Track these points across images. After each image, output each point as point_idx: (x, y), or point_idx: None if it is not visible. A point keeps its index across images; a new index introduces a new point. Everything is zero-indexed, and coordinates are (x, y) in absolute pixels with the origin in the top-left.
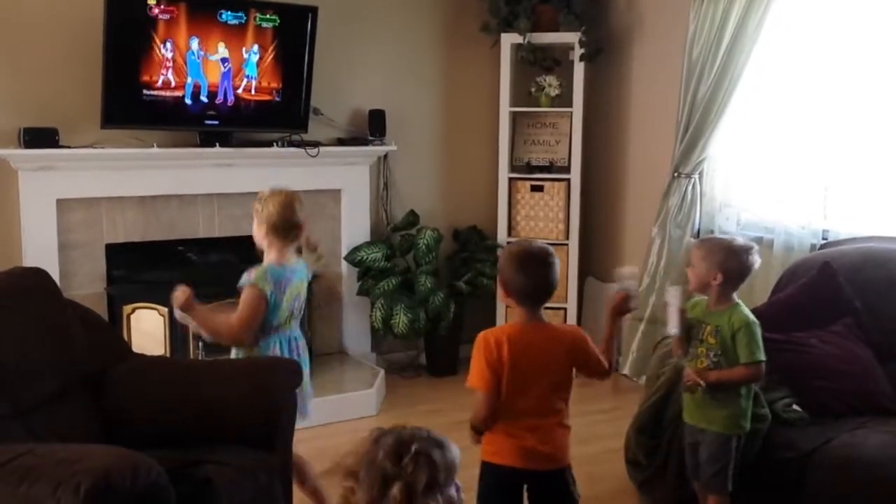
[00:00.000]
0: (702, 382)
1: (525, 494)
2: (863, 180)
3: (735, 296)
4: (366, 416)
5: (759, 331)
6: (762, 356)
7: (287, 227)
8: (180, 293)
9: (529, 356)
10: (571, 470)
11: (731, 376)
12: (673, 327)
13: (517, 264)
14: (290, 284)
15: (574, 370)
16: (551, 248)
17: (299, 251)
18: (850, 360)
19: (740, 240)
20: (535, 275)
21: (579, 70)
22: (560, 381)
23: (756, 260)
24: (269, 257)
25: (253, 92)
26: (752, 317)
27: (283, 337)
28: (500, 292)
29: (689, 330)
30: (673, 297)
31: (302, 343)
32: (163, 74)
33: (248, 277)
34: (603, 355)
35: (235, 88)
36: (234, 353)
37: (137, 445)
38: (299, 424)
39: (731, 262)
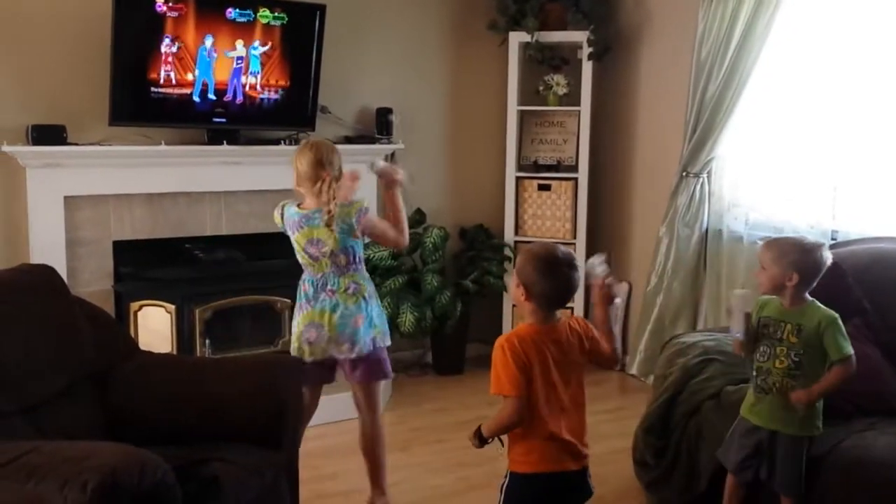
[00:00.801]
0: (806, 403)
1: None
2: (872, 180)
3: (807, 294)
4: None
5: (842, 323)
6: (851, 349)
7: (314, 177)
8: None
9: (555, 355)
10: None
11: (832, 383)
12: (738, 331)
13: (544, 268)
14: (299, 229)
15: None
16: (571, 251)
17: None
18: (860, 360)
19: (809, 238)
20: (562, 278)
21: (587, 69)
22: (581, 374)
23: (828, 256)
24: (304, 204)
25: (257, 89)
26: (833, 311)
27: (314, 279)
28: (517, 294)
29: (760, 329)
30: (740, 300)
31: (336, 289)
32: (171, 72)
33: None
34: (605, 343)
35: (242, 86)
36: None
37: (144, 443)
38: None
39: (806, 261)
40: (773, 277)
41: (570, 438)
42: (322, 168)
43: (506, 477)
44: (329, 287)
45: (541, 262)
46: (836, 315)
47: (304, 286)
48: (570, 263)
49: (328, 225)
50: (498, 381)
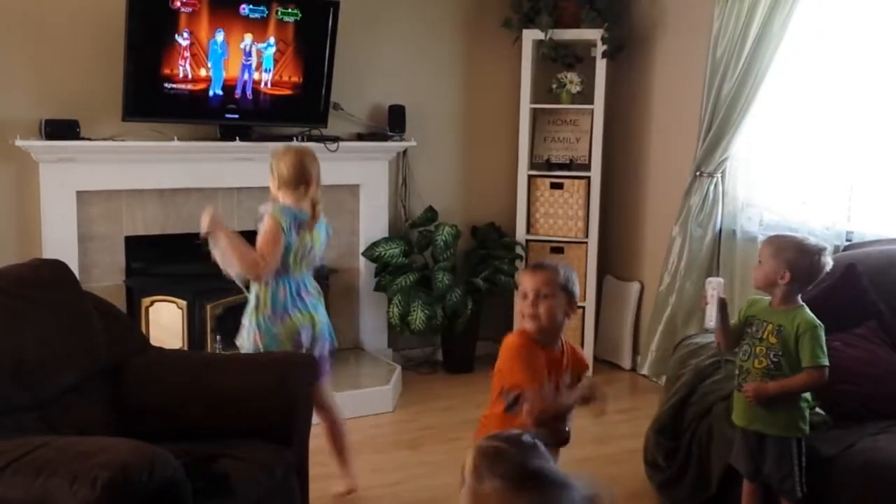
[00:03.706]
0: (752, 395)
1: None
2: (888, 181)
3: (800, 297)
4: (382, 412)
5: (823, 334)
6: (826, 360)
7: (298, 182)
8: (206, 214)
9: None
10: None
11: (791, 385)
12: (710, 319)
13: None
14: (302, 229)
15: None
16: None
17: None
18: (875, 363)
19: (812, 239)
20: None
21: (601, 67)
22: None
23: (828, 262)
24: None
25: (269, 85)
26: (817, 320)
27: (293, 280)
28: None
29: (745, 327)
30: (713, 287)
31: (312, 286)
32: (184, 67)
33: (266, 209)
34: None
35: (254, 83)
36: (252, 294)
37: (154, 438)
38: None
39: (801, 262)
40: (767, 273)
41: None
42: (306, 172)
43: None
44: (308, 288)
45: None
46: (820, 324)
47: (282, 291)
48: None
49: (311, 226)
50: (517, 373)
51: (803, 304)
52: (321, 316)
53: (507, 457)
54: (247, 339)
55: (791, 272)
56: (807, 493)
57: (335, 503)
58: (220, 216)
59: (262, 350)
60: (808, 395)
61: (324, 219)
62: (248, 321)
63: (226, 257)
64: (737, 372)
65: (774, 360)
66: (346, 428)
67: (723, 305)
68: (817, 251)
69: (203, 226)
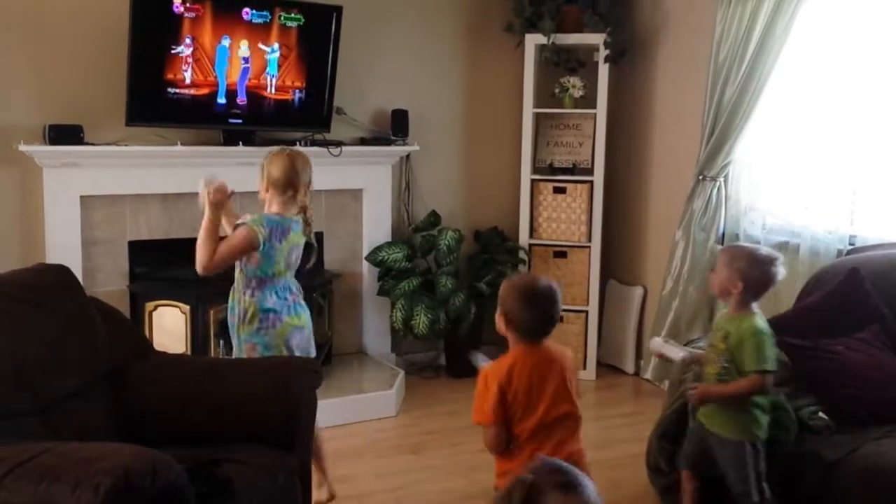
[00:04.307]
0: (697, 398)
1: None
2: (892, 185)
3: (755, 305)
4: (385, 416)
5: (769, 340)
6: (769, 366)
7: (286, 185)
8: (221, 184)
9: (532, 377)
10: None
11: (732, 389)
12: (680, 354)
13: (524, 300)
14: (287, 235)
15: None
16: (555, 283)
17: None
18: (878, 367)
19: (765, 250)
20: (542, 310)
21: (604, 71)
22: (565, 393)
23: (780, 272)
24: (270, 210)
25: (274, 91)
26: (764, 326)
27: (280, 286)
28: (499, 323)
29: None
30: (666, 350)
31: (296, 289)
32: (187, 72)
33: (245, 219)
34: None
35: (257, 87)
36: (236, 308)
37: (157, 443)
38: None
39: (752, 271)
40: (722, 281)
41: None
42: (297, 176)
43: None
44: (294, 291)
45: (521, 294)
46: (766, 331)
47: (271, 299)
48: (550, 296)
49: (304, 231)
50: (478, 409)
51: (756, 311)
52: (306, 315)
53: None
54: (241, 355)
55: (743, 281)
56: (769, 496)
57: None
58: (223, 187)
59: (258, 351)
60: (762, 400)
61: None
62: (236, 338)
63: (200, 233)
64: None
65: (725, 365)
66: (323, 435)
67: (668, 359)
68: (769, 261)
69: (210, 192)
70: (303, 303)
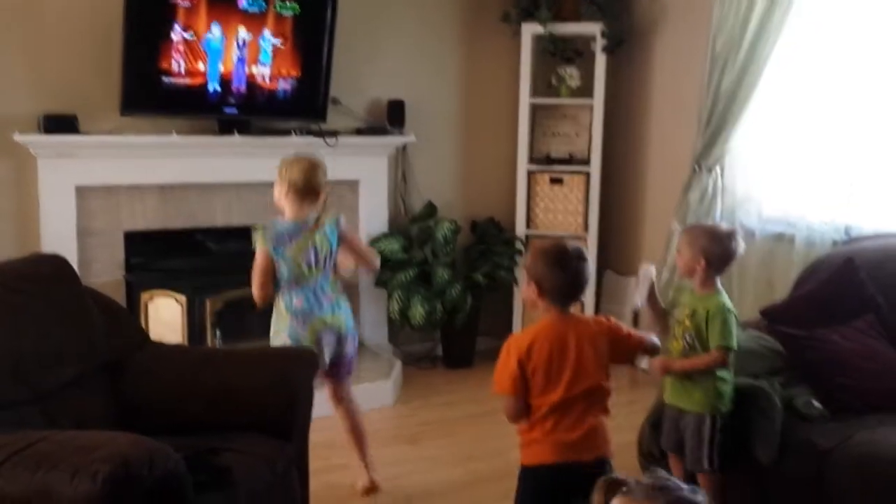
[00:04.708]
0: (660, 370)
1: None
2: (888, 175)
3: (718, 283)
4: (382, 406)
5: (733, 319)
6: (732, 343)
7: (308, 190)
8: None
9: (553, 352)
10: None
11: (694, 364)
12: (638, 299)
13: (553, 261)
14: (297, 239)
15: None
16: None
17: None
18: (873, 357)
19: (724, 226)
20: (573, 270)
21: (600, 61)
22: (590, 367)
23: (739, 245)
24: (283, 215)
25: (268, 80)
26: (729, 304)
27: (308, 290)
28: (529, 293)
29: (671, 311)
30: (646, 272)
31: (330, 287)
32: (182, 62)
33: (255, 237)
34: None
35: (252, 77)
36: (277, 300)
37: (155, 432)
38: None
39: (713, 248)
40: (685, 261)
41: (566, 428)
42: (316, 181)
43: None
44: (327, 292)
45: (550, 256)
46: (730, 308)
47: (297, 301)
48: (579, 256)
49: (313, 231)
50: (499, 379)
51: (720, 289)
52: (343, 315)
53: None
54: (277, 343)
55: (706, 259)
56: (718, 467)
57: (359, 494)
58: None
59: None
60: (725, 374)
61: (326, 219)
62: (273, 326)
63: None
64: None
65: (689, 341)
66: (364, 423)
67: (651, 290)
68: (728, 236)
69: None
70: (338, 302)
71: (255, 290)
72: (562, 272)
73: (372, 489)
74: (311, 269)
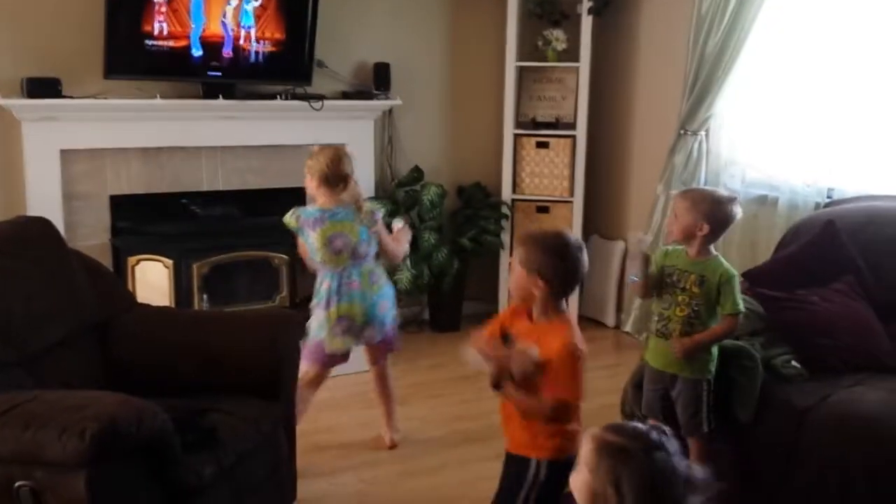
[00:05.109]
0: (681, 353)
1: None
2: (870, 138)
3: (713, 248)
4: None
5: (738, 283)
6: (743, 307)
7: (336, 178)
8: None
9: None
10: None
11: (717, 333)
12: (636, 274)
13: (556, 252)
14: (321, 225)
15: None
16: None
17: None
18: (851, 317)
19: (723, 190)
20: (575, 259)
21: (587, 24)
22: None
23: (738, 211)
24: (316, 204)
25: (252, 42)
26: (734, 269)
27: (335, 275)
28: (530, 286)
29: (664, 278)
30: (640, 243)
31: (359, 275)
32: (165, 24)
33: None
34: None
35: (235, 39)
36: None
37: (143, 394)
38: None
39: (717, 213)
40: (685, 226)
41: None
42: (344, 166)
43: (535, 471)
44: (353, 279)
45: (550, 246)
46: (736, 273)
47: (326, 283)
48: (580, 247)
49: (357, 216)
50: (575, 388)
51: (717, 253)
52: (367, 303)
53: (633, 463)
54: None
55: (709, 223)
56: (714, 427)
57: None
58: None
59: (313, 329)
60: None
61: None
62: (312, 304)
63: None
64: (655, 318)
65: (696, 309)
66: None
67: (646, 260)
68: (730, 201)
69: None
70: (367, 290)
71: (308, 264)
72: (564, 260)
73: (390, 446)
74: (338, 254)
